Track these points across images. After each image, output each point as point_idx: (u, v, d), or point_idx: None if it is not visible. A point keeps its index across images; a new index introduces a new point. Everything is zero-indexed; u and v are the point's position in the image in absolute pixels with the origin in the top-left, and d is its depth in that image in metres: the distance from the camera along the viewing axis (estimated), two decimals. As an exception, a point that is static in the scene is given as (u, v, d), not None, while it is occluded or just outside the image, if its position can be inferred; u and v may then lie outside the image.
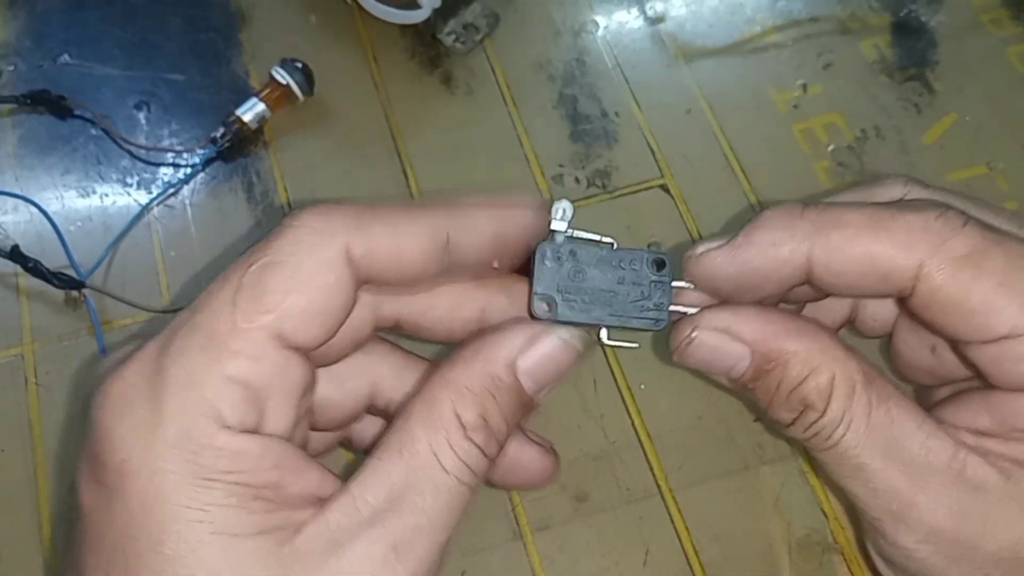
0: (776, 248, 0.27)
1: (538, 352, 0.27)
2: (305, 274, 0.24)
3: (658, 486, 0.39)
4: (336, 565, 0.23)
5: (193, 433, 0.23)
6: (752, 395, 0.29)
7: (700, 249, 0.28)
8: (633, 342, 0.30)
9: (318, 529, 0.24)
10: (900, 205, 0.27)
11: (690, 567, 0.37)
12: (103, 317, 0.42)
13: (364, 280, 0.26)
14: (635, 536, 0.38)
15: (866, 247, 0.26)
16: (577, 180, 0.46)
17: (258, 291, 0.24)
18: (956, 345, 0.28)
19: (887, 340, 0.33)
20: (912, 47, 0.50)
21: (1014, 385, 0.26)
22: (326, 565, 0.23)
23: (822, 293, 0.29)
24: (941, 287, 0.25)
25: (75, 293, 0.42)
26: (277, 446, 0.24)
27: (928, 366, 0.31)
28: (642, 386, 0.41)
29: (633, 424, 0.40)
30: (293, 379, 0.25)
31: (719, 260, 0.27)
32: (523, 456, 0.31)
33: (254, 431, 0.24)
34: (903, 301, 0.27)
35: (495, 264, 0.29)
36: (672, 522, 0.38)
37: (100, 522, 0.23)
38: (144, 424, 0.23)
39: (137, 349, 0.25)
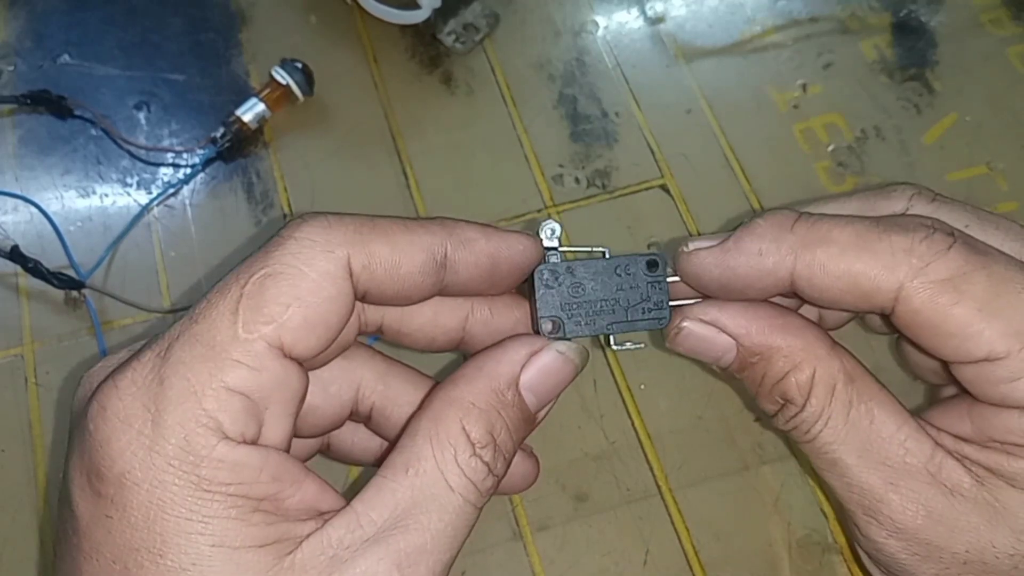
0: (761, 258, 0.27)
1: (538, 367, 0.28)
2: (307, 286, 0.24)
3: (658, 486, 0.39)
4: None
5: (193, 444, 0.23)
6: (742, 383, 0.30)
7: (691, 246, 0.28)
8: (638, 343, 0.31)
9: (319, 544, 0.24)
10: (890, 222, 0.27)
11: (690, 567, 0.37)
12: (103, 317, 0.42)
13: (362, 293, 0.26)
14: (635, 536, 0.38)
15: (849, 266, 0.26)
16: (577, 180, 0.46)
17: (260, 301, 0.24)
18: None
19: (896, 339, 0.33)
20: (912, 47, 0.50)
21: (992, 401, 0.27)
22: None
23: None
24: (920, 310, 0.26)
25: (75, 293, 0.42)
26: (276, 457, 0.24)
27: (934, 366, 0.31)
28: (642, 386, 0.41)
29: (633, 424, 0.40)
30: (291, 389, 0.25)
31: (707, 261, 0.28)
32: None
33: (253, 442, 0.24)
34: (887, 317, 0.27)
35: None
36: (672, 522, 0.38)
37: (98, 534, 0.23)
38: (144, 436, 0.23)
39: (132, 358, 0.24)
